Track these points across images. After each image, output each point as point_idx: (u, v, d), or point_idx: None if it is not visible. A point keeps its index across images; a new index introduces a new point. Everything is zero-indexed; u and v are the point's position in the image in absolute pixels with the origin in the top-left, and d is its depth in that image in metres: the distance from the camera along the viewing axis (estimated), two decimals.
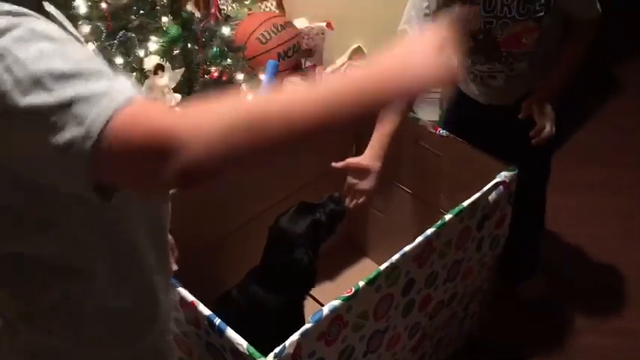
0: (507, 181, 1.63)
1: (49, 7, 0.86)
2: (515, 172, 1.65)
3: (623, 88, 3.28)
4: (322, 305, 1.32)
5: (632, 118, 3.05)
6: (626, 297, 2.21)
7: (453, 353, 1.97)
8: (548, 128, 1.63)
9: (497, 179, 1.62)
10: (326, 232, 1.61)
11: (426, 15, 1.65)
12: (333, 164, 1.66)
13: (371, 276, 1.37)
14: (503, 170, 1.64)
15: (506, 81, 1.76)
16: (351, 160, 1.66)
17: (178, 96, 2.00)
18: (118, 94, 0.66)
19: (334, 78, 0.82)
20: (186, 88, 2.05)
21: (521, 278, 2.18)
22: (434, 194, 1.90)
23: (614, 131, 2.98)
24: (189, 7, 2.11)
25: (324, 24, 2.64)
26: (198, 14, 2.12)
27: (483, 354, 2.03)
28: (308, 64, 2.64)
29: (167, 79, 1.94)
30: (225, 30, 2.00)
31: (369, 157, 1.65)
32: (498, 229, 1.74)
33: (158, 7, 1.81)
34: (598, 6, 1.64)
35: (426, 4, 1.65)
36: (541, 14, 1.59)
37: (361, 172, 1.64)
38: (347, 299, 1.32)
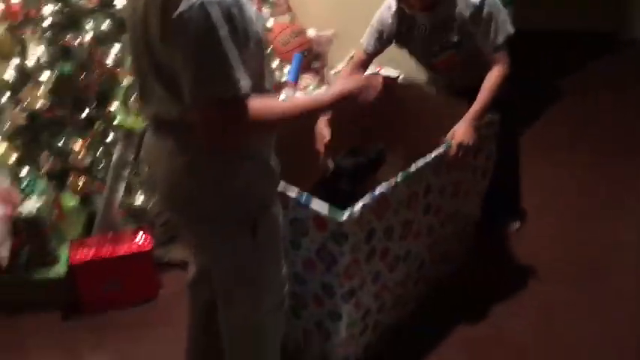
0: (493, 122, 2.22)
1: None
2: (497, 116, 2.23)
3: (564, 95, 4.01)
4: None
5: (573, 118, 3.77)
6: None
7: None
8: (455, 147, 2.06)
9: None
10: (369, 171, 2.15)
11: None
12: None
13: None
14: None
15: (457, 82, 2.38)
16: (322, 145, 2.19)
17: None
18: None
19: (303, 100, 1.58)
20: None
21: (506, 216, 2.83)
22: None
23: (560, 130, 3.67)
24: None
25: (330, 33, 3.24)
26: None
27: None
28: (317, 65, 3.22)
29: None
30: None
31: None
32: (487, 162, 2.32)
33: None
34: (500, 40, 2.14)
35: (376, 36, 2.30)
36: (454, 49, 2.23)
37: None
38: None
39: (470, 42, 2.21)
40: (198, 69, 1.26)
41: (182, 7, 1.23)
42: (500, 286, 2.56)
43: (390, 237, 1.95)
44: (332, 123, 2.19)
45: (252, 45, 1.34)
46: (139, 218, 2.48)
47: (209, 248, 1.61)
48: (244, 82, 1.28)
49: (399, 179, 1.89)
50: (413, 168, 1.94)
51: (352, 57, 2.50)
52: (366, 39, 2.33)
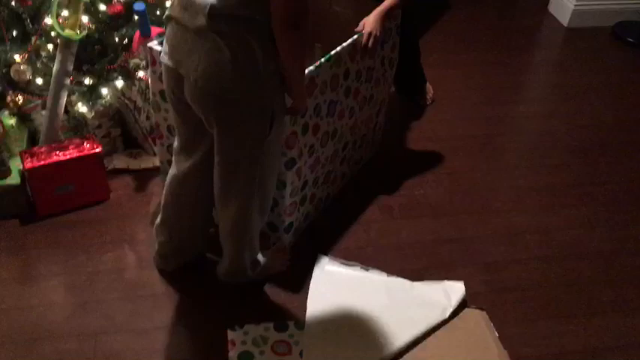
0: (396, 16, 2.56)
1: None
2: (399, 10, 2.57)
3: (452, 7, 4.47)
4: None
5: (462, 25, 4.24)
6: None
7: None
8: (365, 36, 2.39)
9: None
10: None
11: None
12: None
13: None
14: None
15: None
16: None
17: None
18: None
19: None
20: None
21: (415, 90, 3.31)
22: None
23: (450, 35, 4.13)
24: None
25: None
26: None
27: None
28: None
29: None
30: None
31: None
32: (392, 53, 2.67)
33: None
34: None
35: None
36: None
37: None
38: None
39: None
40: None
41: None
42: (414, 162, 2.98)
43: (319, 114, 2.26)
44: None
45: None
46: (80, 130, 2.65)
47: (229, 133, 1.82)
48: None
49: (322, 60, 2.20)
50: (333, 52, 2.25)
51: None
52: None
